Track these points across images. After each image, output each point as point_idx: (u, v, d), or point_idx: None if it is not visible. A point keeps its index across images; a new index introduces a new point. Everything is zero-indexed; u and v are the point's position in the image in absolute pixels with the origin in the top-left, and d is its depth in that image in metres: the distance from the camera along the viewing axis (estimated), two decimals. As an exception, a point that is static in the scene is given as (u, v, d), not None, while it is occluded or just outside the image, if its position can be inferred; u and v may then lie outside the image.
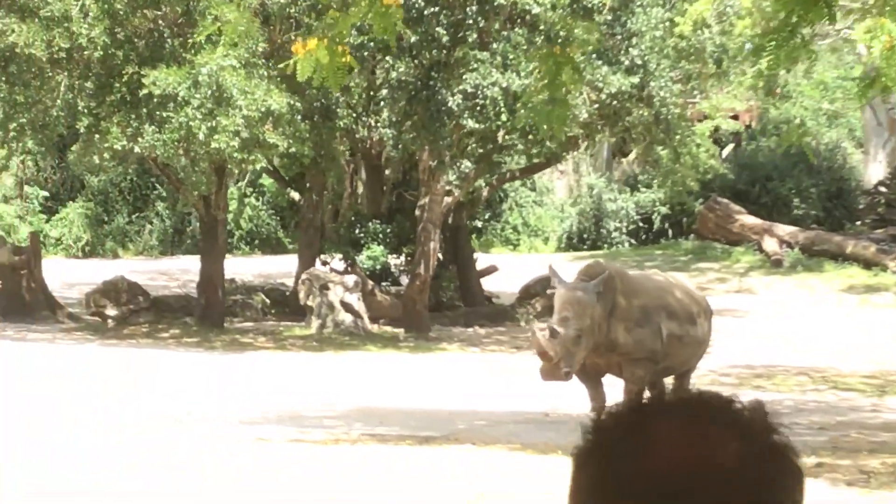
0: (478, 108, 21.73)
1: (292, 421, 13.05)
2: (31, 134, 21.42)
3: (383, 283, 26.15)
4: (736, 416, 1.29)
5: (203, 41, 19.19)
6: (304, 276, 23.80)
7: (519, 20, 22.31)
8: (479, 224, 34.66)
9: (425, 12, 21.42)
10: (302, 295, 23.48)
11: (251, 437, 11.90)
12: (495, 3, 21.66)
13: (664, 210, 36.03)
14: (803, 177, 36.11)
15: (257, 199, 35.54)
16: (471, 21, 21.85)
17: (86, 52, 20.31)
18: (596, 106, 22.21)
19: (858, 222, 33.44)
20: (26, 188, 34.30)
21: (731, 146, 38.16)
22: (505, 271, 28.78)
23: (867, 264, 29.98)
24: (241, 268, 28.85)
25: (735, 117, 37.05)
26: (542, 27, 21.19)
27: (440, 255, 24.79)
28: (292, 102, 20.98)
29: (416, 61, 22.04)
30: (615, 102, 22.21)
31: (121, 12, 20.54)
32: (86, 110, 20.65)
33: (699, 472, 1.25)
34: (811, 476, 9.65)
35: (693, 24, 19.41)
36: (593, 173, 37.84)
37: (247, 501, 9.29)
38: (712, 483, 1.25)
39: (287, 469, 10.21)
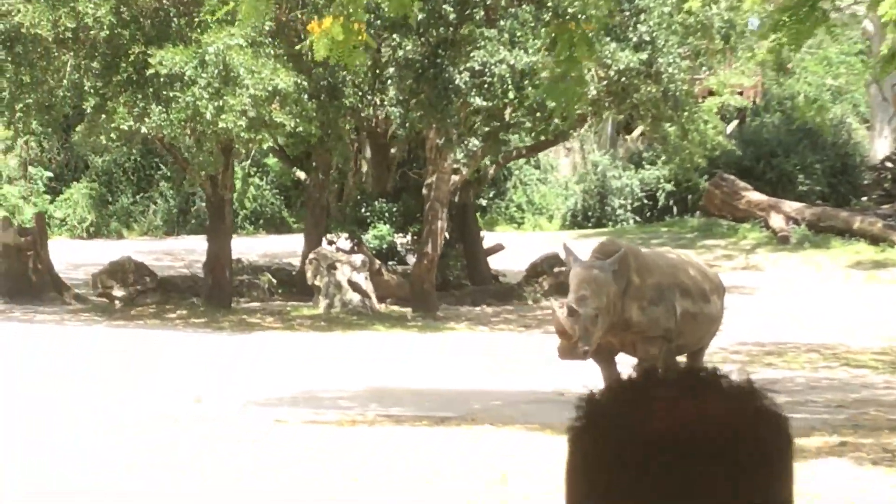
0: (485, 85, 21.62)
1: (307, 402, 12.98)
2: (37, 114, 21.30)
3: (389, 263, 26.08)
4: (726, 384, 1.31)
5: (210, 20, 19.07)
6: (311, 256, 23.71)
7: (526, -3, 22.19)
8: (484, 202, 34.61)
9: (432, -11, 21.30)
10: (309, 275, 23.40)
11: (269, 418, 11.84)
12: (502, -20, 21.56)
13: (669, 187, 35.96)
14: (808, 153, 36.03)
15: (261, 179, 35.44)
16: (478, -2, 21.74)
17: (92, 32, 20.18)
18: (604, 83, 22.10)
19: (864, 198, 33.36)
20: (30, 169, 34.21)
21: (735, 122, 38.03)
22: (510, 250, 28.69)
23: (874, 240, 29.93)
24: (246, 248, 28.77)
25: (740, 94, 36.93)
26: (549, 3, 21.05)
27: (447, 234, 24.71)
28: (299, 81, 20.86)
29: (422, 39, 21.91)
30: (623, 79, 22.10)
31: (126, -9, 20.43)
32: (92, 90, 20.53)
33: (693, 437, 1.26)
34: (835, 455, 9.60)
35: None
36: (598, 151, 37.72)
37: (278, 484, 9.23)
38: (706, 446, 1.26)
39: (309, 451, 10.15)
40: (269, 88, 20.17)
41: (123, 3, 20.46)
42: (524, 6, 22.10)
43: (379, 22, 21.19)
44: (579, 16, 14.75)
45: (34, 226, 25.25)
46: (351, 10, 11.14)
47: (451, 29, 21.86)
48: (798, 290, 26.63)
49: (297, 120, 21.17)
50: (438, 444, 10.55)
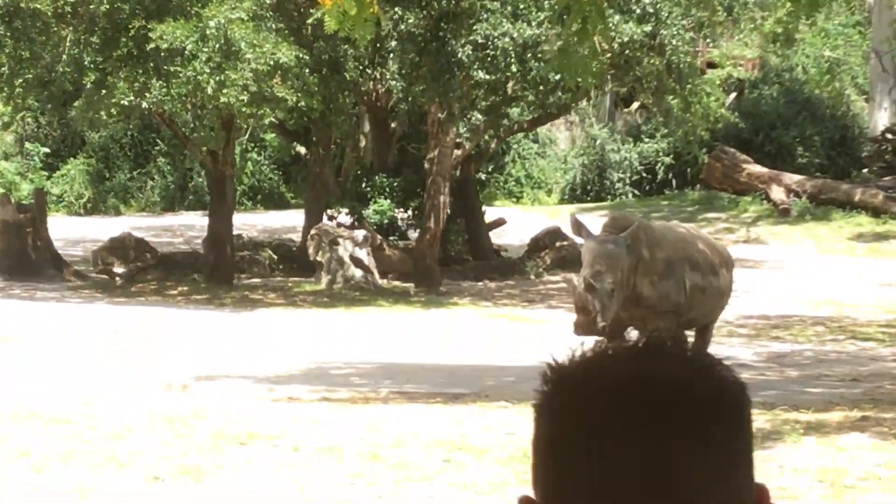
0: (488, 59, 21.46)
1: (319, 379, 12.88)
2: (37, 90, 21.12)
3: (390, 238, 25.94)
4: (688, 351, 1.34)
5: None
6: (313, 232, 23.57)
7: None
8: (483, 177, 34.45)
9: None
10: (311, 250, 23.27)
11: (282, 395, 11.75)
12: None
13: (668, 160, 35.82)
14: (807, 125, 35.91)
15: (259, 155, 35.25)
16: (480, -30, 21.56)
17: (91, 7, 19.99)
18: (607, 56, 21.94)
19: (865, 170, 33.25)
20: (27, 145, 33.98)
21: (732, 95, 37.87)
22: (509, 224, 28.59)
23: (875, 212, 29.84)
24: (245, 223, 28.63)
25: (740, 66, 36.79)
26: (552, -24, 20.89)
27: (448, 209, 24.57)
28: (300, 55, 20.70)
29: (424, 12, 21.74)
30: (627, 51, 21.95)
31: (126, -35, 20.22)
32: (92, 65, 20.35)
33: (649, 393, 1.28)
34: (857, 430, 9.52)
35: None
36: (596, 124, 37.56)
37: (296, 463, 9.14)
38: (664, 402, 1.27)
39: (326, 429, 10.06)
40: (271, 63, 20.01)
41: (123, -24, 20.28)
42: (527, -22, 21.92)
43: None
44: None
45: (33, 202, 25.10)
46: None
47: (454, 1, 21.68)
48: (801, 263, 26.55)
49: (299, 94, 21.01)
50: (454, 421, 10.45)
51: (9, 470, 9.06)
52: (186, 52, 19.59)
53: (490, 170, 35.69)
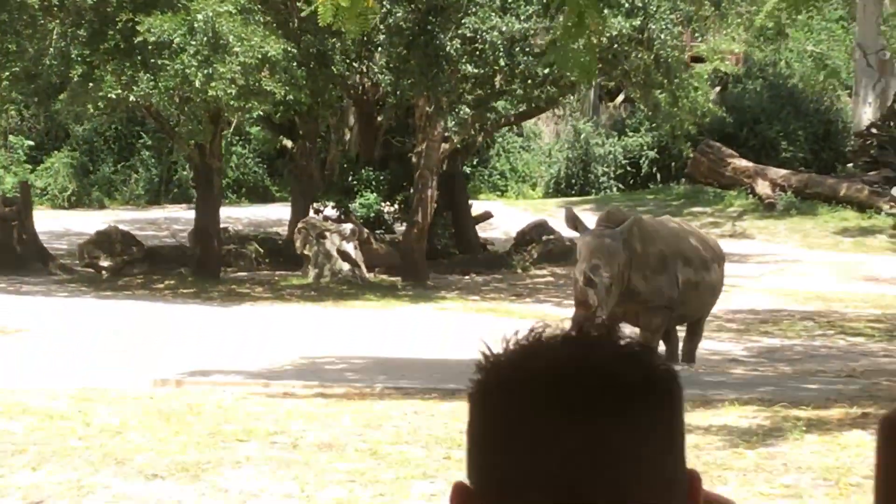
0: (476, 52, 21.41)
1: (313, 375, 12.83)
2: (23, 83, 20.99)
3: (377, 231, 25.90)
4: (616, 332, 1.34)
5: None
6: (300, 225, 23.51)
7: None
8: (467, 170, 34.41)
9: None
10: (298, 244, 23.20)
11: (277, 390, 11.69)
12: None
13: (652, 154, 35.85)
14: (791, 119, 35.97)
15: (244, 148, 35.14)
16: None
17: (78, 0, 19.87)
18: (596, 50, 21.89)
19: (850, 164, 33.32)
20: (10, 138, 33.80)
21: (716, 89, 37.89)
22: (494, 218, 28.57)
23: (860, 207, 29.92)
24: (230, 217, 28.53)
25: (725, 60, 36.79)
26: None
27: (435, 203, 24.53)
28: (288, 49, 20.62)
29: (413, 6, 21.67)
30: (615, 45, 21.93)
31: (113, -42, 20.11)
32: (79, 58, 20.23)
33: (580, 373, 1.29)
34: (859, 427, 9.49)
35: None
36: (581, 118, 37.56)
37: (297, 460, 9.09)
38: (593, 381, 1.28)
39: (324, 425, 10.01)
40: (259, 56, 19.93)
41: (111, -31, 20.17)
42: (516, -28, 21.87)
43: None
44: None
45: (18, 195, 24.96)
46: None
47: (442, -5, 21.63)
48: (787, 257, 26.60)
49: (287, 88, 20.93)
50: (452, 417, 10.40)
51: (5, 467, 8.98)
52: (174, 45, 19.51)
53: (475, 163, 35.67)
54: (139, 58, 19.94)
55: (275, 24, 20.98)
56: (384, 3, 21.70)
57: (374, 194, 26.21)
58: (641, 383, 1.30)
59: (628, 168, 36.19)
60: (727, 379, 13.16)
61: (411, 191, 24.22)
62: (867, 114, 34.18)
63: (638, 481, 1.28)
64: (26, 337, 16.23)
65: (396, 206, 26.51)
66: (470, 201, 27.84)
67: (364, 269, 23.26)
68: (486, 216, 27.60)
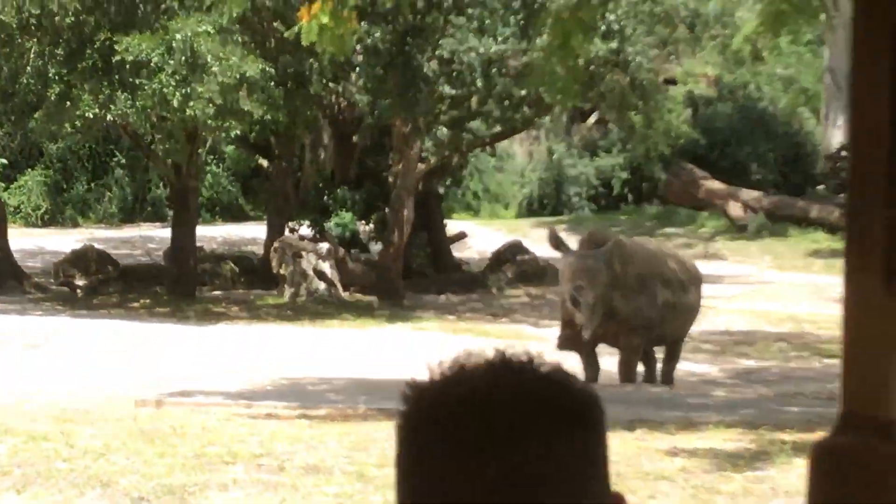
0: (454, 73, 21.49)
1: (295, 395, 12.83)
2: (0, 102, 20.96)
3: (352, 250, 25.91)
4: (543, 365, 1.35)
5: (177, 6, 18.84)
6: (276, 244, 23.50)
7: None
8: (441, 190, 34.45)
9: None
10: (274, 263, 23.19)
11: (259, 411, 11.69)
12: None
13: (624, 175, 35.99)
14: (761, 141, 36.18)
15: (218, 167, 35.11)
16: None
17: (56, 19, 19.85)
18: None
19: (820, 186, 33.55)
20: (-18, 156, 33.68)
21: (688, 111, 38.07)
22: (468, 238, 28.62)
23: (831, 229, 30.10)
24: (204, 235, 28.47)
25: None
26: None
27: (411, 222, 24.58)
28: (266, 69, 20.66)
29: (391, 26, 21.74)
30: (591, 67, 22.03)
31: (92, -23, 20.11)
32: (57, 77, 20.21)
33: (501, 400, 1.30)
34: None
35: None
36: (553, 138, 37.70)
37: (283, 482, 9.09)
38: (515, 408, 1.29)
39: (310, 447, 10.02)
40: (237, 76, 19.96)
41: (89, -12, 20.16)
42: (493, -6, 21.97)
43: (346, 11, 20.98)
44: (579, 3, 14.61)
45: (-7, 214, 24.86)
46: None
47: (420, 16, 21.70)
48: (759, 279, 26.73)
49: (265, 107, 20.97)
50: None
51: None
52: (152, 64, 19.52)
53: (448, 183, 35.69)
54: (117, 77, 19.94)
55: (253, 45, 21.02)
56: (363, 23, 21.76)
57: (350, 213, 26.24)
58: (563, 409, 1.31)
59: (600, 189, 36.32)
60: (708, 401, 13.23)
61: (387, 210, 24.26)
62: (837, 137, 34.43)
63: None
64: (1, 355, 16.17)
65: (372, 225, 26.54)
66: (444, 221, 27.91)
67: (340, 289, 23.27)
68: (461, 236, 27.67)
